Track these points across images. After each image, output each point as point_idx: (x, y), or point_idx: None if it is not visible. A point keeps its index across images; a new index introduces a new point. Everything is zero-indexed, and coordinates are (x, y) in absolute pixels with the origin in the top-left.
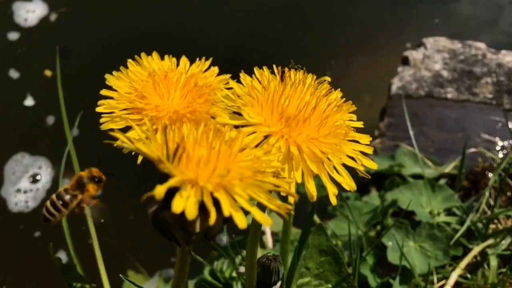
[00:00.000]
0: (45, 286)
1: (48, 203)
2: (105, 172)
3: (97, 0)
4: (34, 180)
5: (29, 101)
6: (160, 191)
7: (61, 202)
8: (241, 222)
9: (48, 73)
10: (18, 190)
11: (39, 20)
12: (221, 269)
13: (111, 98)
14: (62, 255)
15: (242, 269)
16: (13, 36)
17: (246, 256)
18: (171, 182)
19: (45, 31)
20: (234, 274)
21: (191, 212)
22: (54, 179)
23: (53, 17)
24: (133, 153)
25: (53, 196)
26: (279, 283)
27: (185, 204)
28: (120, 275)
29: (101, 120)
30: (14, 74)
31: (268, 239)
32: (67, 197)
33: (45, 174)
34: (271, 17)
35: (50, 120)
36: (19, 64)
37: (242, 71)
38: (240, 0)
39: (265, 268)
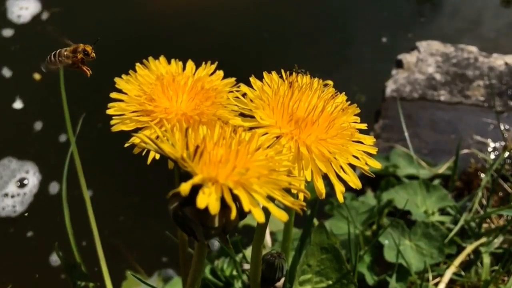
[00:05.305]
0: (41, 286)
1: (51, 53)
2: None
3: (88, 2)
4: (22, 184)
5: (17, 104)
6: (185, 188)
7: (58, 55)
8: (260, 217)
9: (37, 76)
10: (5, 195)
11: (32, 18)
12: (222, 267)
13: (121, 100)
14: (56, 256)
15: (246, 266)
16: (7, 33)
17: (251, 253)
18: (194, 180)
19: (36, 31)
20: (234, 272)
21: (214, 208)
22: (42, 183)
23: (45, 15)
24: (143, 153)
25: (57, 51)
26: (282, 279)
27: (208, 200)
28: (128, 271)
29: (112, 122)
30: (6, 72)
31: (267, 239)
32: (65, 53)
33: (33, 179)
34: (259, 27)
35: (38, 125)
36: (12, 63)
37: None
38: (230, 7)
39: (270, 264)
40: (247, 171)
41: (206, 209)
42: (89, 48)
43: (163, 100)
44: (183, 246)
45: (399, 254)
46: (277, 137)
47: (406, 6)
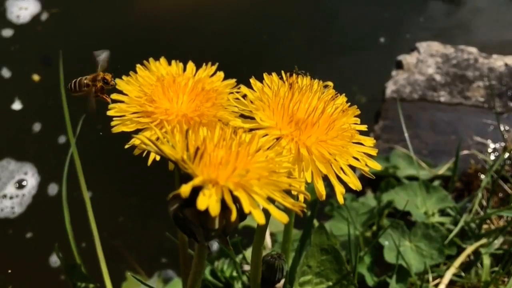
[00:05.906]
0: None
1: (72, 81)
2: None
3: (88, 3)
4: (20, 186)
5: (16, 105)
6: (185, 189)
7: (78, 84)
8: (261, 218)
9: (36, 77)
10: (4, 196)
11: (31, 18)
12: (222, 268)
13: (121, 102)
14: (55, 257)
15: (246, 267)
16: (6, 33)
17: (252, 254)
18: (195, 181)
19: (36, 31)
20: (234, 273)
21: (214, 209)
22: (40, 184)
23: (44, 16)
24: (143, 154)
25: (77, 79)
26: (282, 281)
27: (208, 202)
28: (128, 272)
29: (112, 123)
30: (6, 73)
31: (267, 240)
32: (84, 81)
33: (31, 180)
34: (258, 28)
35: (37, 127)
36: (11, 63)
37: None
38: (231, 8)
39: (270, 265)
40: (247, 173)
41: (207, 210)
42: (108, 77)
43: (163, 101)
44: (183, 247)
45: (399, 255)
46: (277, 139)
47: (405, 7)
